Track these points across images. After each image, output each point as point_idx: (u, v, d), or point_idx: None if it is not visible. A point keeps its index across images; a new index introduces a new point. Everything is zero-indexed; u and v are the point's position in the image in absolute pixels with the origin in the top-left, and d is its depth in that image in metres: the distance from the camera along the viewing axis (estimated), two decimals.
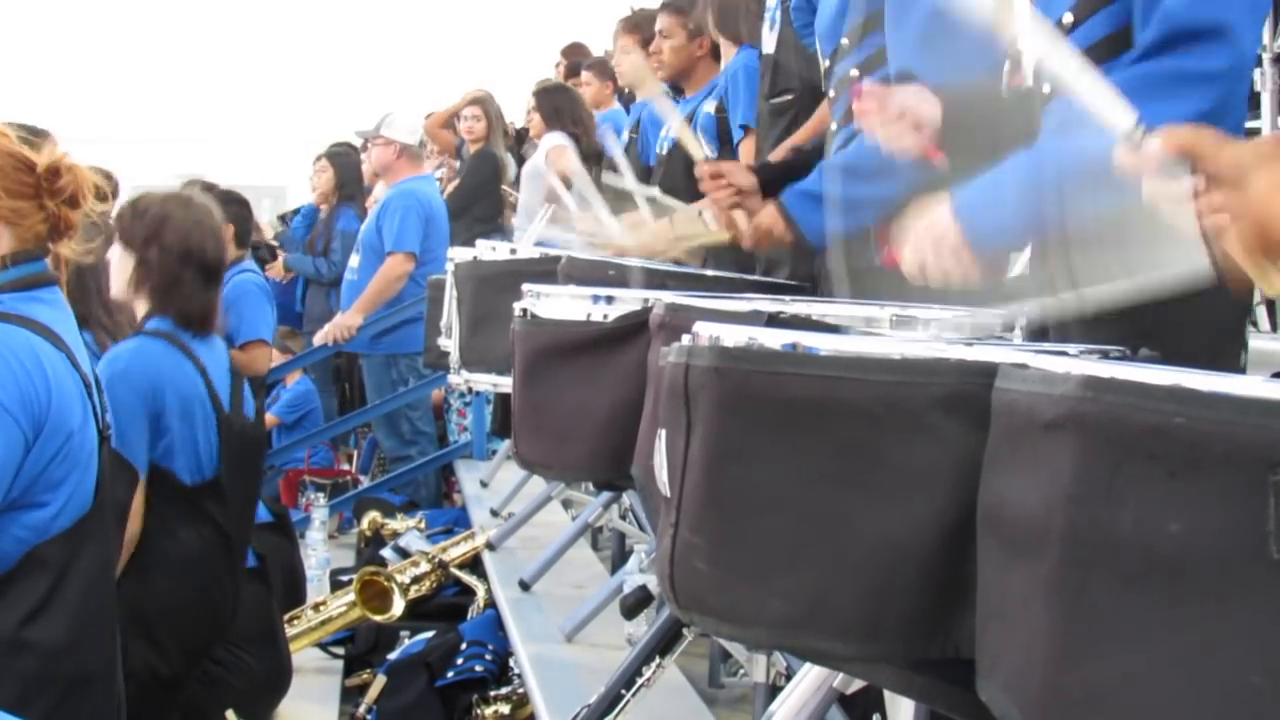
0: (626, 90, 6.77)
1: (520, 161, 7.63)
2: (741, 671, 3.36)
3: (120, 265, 3.62)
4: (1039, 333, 2.12)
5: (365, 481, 7.26)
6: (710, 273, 3.38)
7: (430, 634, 4.64)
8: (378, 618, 4.73)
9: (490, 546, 4.82)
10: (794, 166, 3.00)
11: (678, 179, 3.51)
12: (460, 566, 5.11)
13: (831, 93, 2.92)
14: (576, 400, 2.46)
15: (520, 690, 3.94)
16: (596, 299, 2.48)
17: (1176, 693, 1.05)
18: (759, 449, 1.42)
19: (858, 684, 1.91)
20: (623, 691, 2.60)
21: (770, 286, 2.98)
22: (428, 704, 4.25)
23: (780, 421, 1.40)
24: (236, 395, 3.66)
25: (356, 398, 7.70)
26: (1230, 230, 1.37)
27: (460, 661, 4.31)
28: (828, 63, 2.94)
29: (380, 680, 4.37)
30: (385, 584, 4.79)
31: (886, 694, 1.93)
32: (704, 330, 1.49)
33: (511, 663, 4.16)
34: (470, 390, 5.98)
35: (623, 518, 4.36)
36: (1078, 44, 1.93)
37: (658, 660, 2.61)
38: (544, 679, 3.42)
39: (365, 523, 6.10)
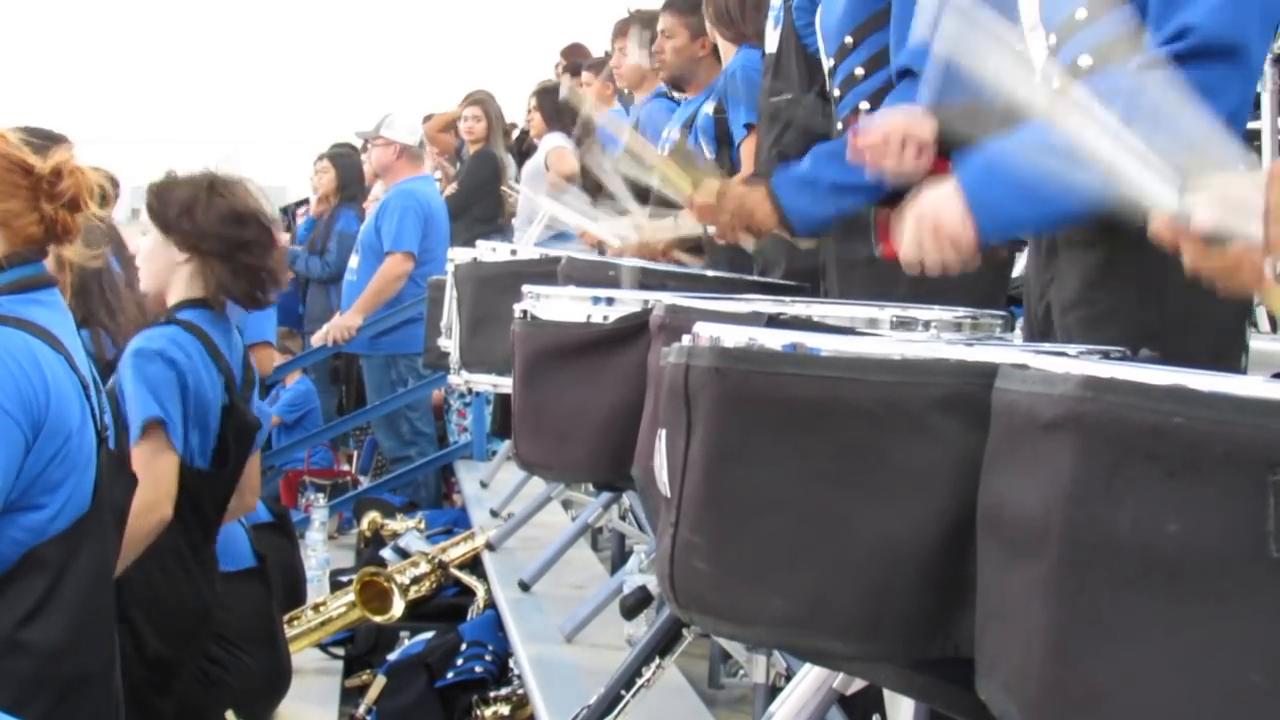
0: (626, 91, 6.77)
1: (521, 161, 7.63)
2: (741, 672, 3.36)
3: (155, 253, 3.53)
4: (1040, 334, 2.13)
5: (365, 482, 7.26)
6: (710, 273, 3.39)
7: (430, 635, 4.64)
8: (377, 618, 4.73)
9: (490, 547, 4.82)
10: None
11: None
12: (460, 567, 5.11)
13: (836, 91, 2.92)
14: (576, 401, 2.47)
15: (520, 691, 3.94)
16: (596, 300, 2.48)
17: (1176, 692, 1.05)
18: (759, 449, 1.42)
19: (858, 684, 1.91)
20: (622, 692, 2.60)
21: (770, 287, 2.98)
22: (427, 705, 4.25)
23: (780, 422, 1.41)
24: (246, 389, 3.64)
25: (354, 399, 7.70)
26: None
27: (460, 662, 4.31)
28: (831, 62, 2.94)
29: (380, 681, 4.37)
30: (385, 584, 4.79)
31: (886, 694, 1.93)
32: (704, 331, 1.50)
33: (511, 663, 4.16)
34: (470, 391, 5.99)
35: (622, 518, 4.36)
36: (1089, 42, 1.93)
37: (657, 661, 2.62)
38: (544, 679, 3.42)
39: (365, 523, 6.10)
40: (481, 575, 4.91)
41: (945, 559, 1.34)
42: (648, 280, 2.82)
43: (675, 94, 5.00)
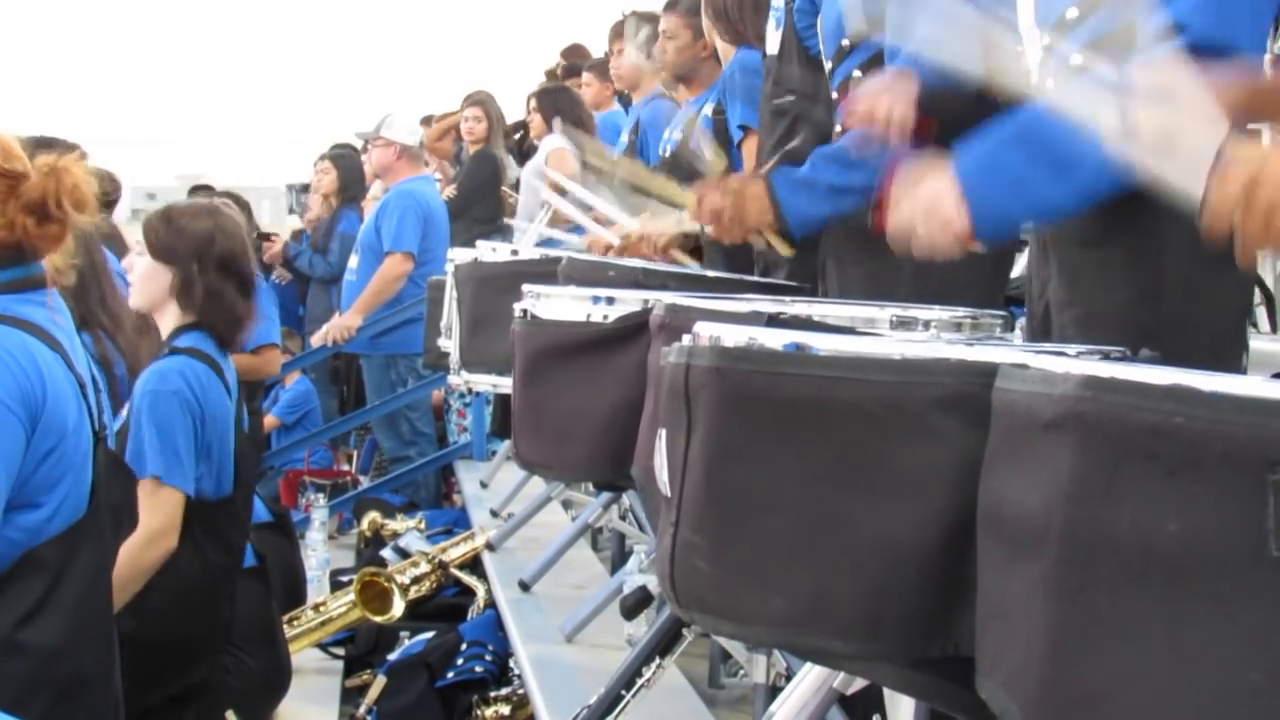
0: (625, 91, 6.77)
1: (522, 161, 7.62)
2: (741, 672, 3.36)
3: (151, 278, 3.61)
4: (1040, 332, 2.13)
5: (365, 482, 7.26)
6: (710, 273, 3.39)
7: (430, 634, 4.64)
8: (378, 618, 4.73)
9: (490, 547, 4.82)
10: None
11: (680, 181, 3.51)
12: (460, 567, 5.11)
13: (835, 94, 2.93)
14: (576, 401, 2.47)
15: (520, 691, 3.94)
16: (596, 300, 2.48)
17: (1175, 691, 1.05)
18: (759, 449, 1.42)
19: (858, 684, 1.92)
20: (623, 692, 2.60)
21: (770, 287, 2.98)
22: (428, 705, 4.25)
23: (781, 422, 1.41)
24: (239, 411, 3.69)
25: (355, 399, 7.70)
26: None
27: (460, 662, 4.31)
28: (831, 64, 2.94)
29: (380, 681, 4.37)
30: (385, 585, 4.78)
31: (886, 694, 1.93)
32: (704, 331, 1.50)
33: (511, 663, 4.16)
34: (470, 391, 5.99)
35: (623, 518, 4.36)
36: (1082, 40, 1.94)
37: (658, 661, 2.61)
38: (544, 679, 3.42)
39: (365, 523, 6.10)
40: (482, 575, 4.91)
41: (945, 558, 1.35)
42: (648, 280, 2.82)
43: (670, 94, 4.99)
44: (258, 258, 7.33)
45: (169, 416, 3.40)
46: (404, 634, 4.74)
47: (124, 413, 3.50)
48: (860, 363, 1.39)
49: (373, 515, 6.08)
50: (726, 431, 1.44)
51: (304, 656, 4.53)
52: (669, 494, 1.51)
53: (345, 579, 5.12)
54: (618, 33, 5.80)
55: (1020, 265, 3.04)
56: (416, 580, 4.97)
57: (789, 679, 2.26)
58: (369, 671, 4.56)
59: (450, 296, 3.93)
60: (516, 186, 7.42)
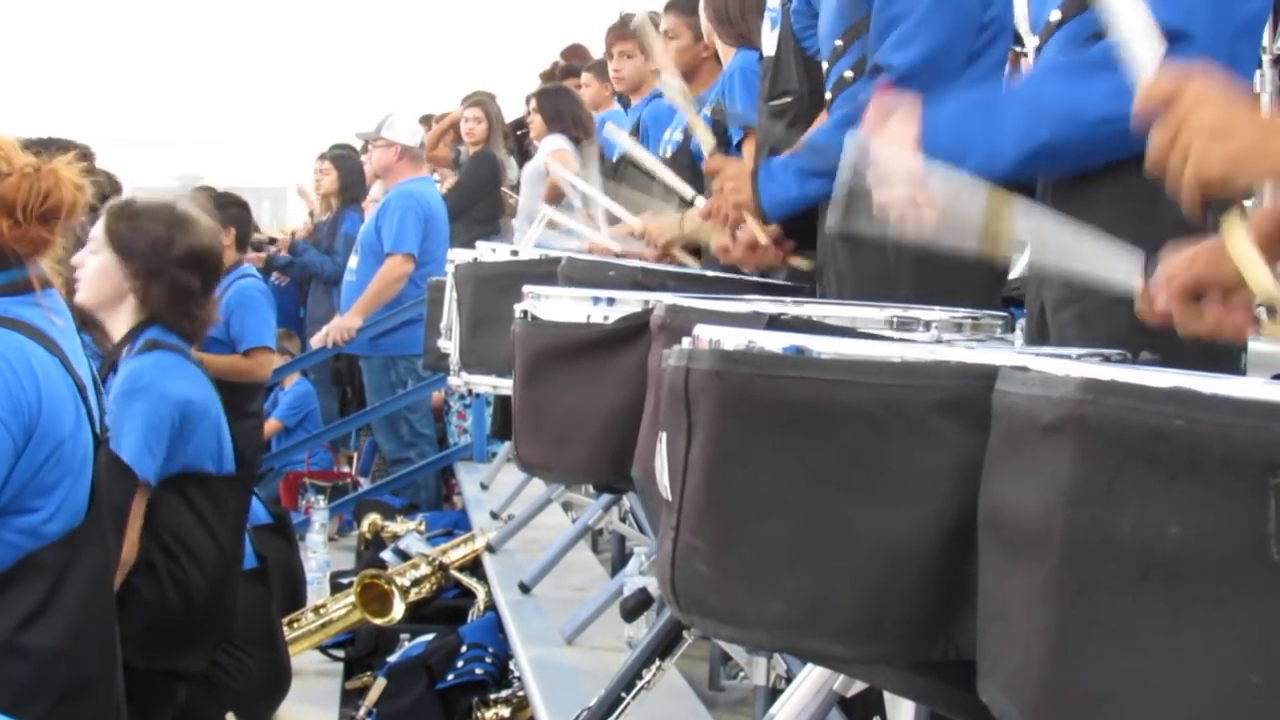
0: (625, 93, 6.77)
1: (523, 161, 7.62)
2: (741, 674, 3.36)
3: (104, 275, 3.53)
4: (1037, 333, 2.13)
5: (365, 484, 7.25)
6: (710, 274, 3.38)
7: (430, 637, 4.64)
8: (378, 620, 4.73)
9: (490, 549, 4.81)
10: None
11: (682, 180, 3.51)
12: (460, 569, 5.11)
13: (829, 94, 2.93)
14: (577, 402, 2.46)
15: (520, 693, 3.94)
16: (597, 301, 2.48)
17: (1176, 694, 1.05)
18: (760, 452, 1.42)
19: (858, 687, 1.91)
20: (623, 694, 2.60)
21: (770, 288, 2.98)
22: (428, 707, 4.25)
23: (781, 424, 1.41)
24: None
25: (358, 402, 7.70)
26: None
27: (460, 664, 4.31)
28: (826, 65, 2.94)
29: (380, 683, 4.37)
30: (385, 587, 4.78)
31: (887, 697, 1.93)
32: (704, 333, 1.49)
33: (511, 665, 4.16)
34: (470, 392, 5.99)
35: (623, 520, 4.36)
36: (1064, 42, 1.97)
37: (658, 663, 2.61)
38: (544, 681, 3.42)
39: (365, 525, 6.10)
40: (482, 577, 4.91)
41: (946, 561, 1.34)
42: (648, 281, 2.82)
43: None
44: (256, 258, 7.35)
45: (139, 411, 3.36)
46: (404, 636, 4.74)
47: None
48: (860, 366, 1.39)
49: (373, 517, 6.08)
50: (727, 435, 1.44)
51: (304, 658, 4.53)
52: (669, 497, 1.51)
53: (345, 581, 5.12)
54: (616, 35, 5.79)
55: (1020, 266, 3.03)
56: (417, 582, 4.97)
57: (789, 681, 2.26)
58: (369, 673, 4.56)
59: (450, 297, 3.93)
60: (517, 188, 7.42)
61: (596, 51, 7.51)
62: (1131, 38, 1.49)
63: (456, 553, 5.16)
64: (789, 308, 2.09)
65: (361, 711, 4.32)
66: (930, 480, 1.35)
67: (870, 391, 1.37)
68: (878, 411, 1.37)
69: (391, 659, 4.54)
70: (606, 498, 4.05)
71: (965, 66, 2.61)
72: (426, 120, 8.80)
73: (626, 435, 2.22)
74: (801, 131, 3.15)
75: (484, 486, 6.04)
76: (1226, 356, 1.96)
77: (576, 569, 4.46)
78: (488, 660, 4.29)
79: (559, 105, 6.72)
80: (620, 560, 4.20)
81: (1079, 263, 1.64)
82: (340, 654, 4.79)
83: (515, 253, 3.81)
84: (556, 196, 5.55)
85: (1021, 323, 2.42)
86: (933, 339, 2.00)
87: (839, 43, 2.84)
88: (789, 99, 3.29)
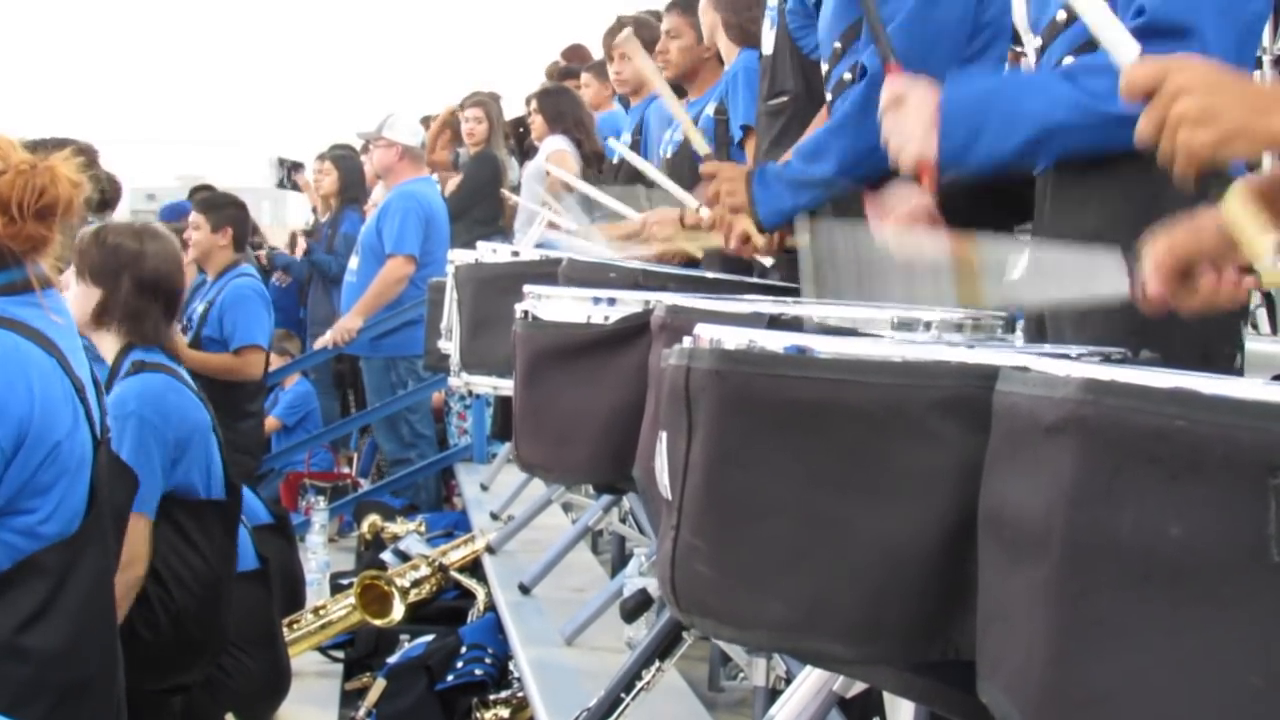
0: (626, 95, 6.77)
1: (524, 161, 7.62)
2: (741, 675, 3.36)
3: (83, 298, 3.56)
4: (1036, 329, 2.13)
5: (365, 485, 7.25)
6: (711, 274, 3.38)
7: (430, 637, 4.64)
8: (378, 621, 4.73)
9: (490, 550, 4.81)
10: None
11: (682, 182, 3.50)
12: (460, 570, 5.11)
13: (829, 95, 2.93)
14: (577, 402, 2.46)
15: (520, 694, 3.94)
16: (597, 301, 2.48)
17: (1176, 694, 1.05)
18: (760, 452, 1.42)
19: (858, 687, 1.91)
20: (622, 695, 2.60)
21: (770, 288, 2.98)
22: (427, 707, 4.25)
23: (781, 424, 1.41)
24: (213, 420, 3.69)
25: (360, 406, 7.69)
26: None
27: (460, 665, 4.31)
28: (827, 66, 2.94)
29: (380, 684, 4.36)
30: (385, 588, 4.78)
31: (886, 698, 1.93)
32: (705, 333, 1.49)
33: (511, 666, 4.15)
34: (470, 393, 5.99)
35: (623, 521, 4.36)
36: (1071, 42, 1.97)
37: (657, 664, 2.61)
38: (544, 682, 3.42)
39: (365, 526, 6.09)
40: (482, 578, 4.91)
41: (946, 561, 1.34)
42: (648, 281, 2.82)
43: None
44: (256, 259, 7.34)
45: (133, 436, 3.37)
46: (404, 637, 4.73)
47: None
48: (861, 365, 1.38)
49: (373, 518, 6.08)
50: (727, 434, 1.44)
51: (304, 659, 4.53)
52: (670, 497, 1.51)
53: (345, 582, 5.11)
54: (613, 39, 5.79)
55: (1019, 267, 3.03)
56: (416, 583, 4.97)
57: (789, 682, 2.26)
58: (369, 674, 4.56)
59: (450, 298, 3.93)
60: (517, 189, 7.42)
61: (597, 52, 7.51)
62: (1104, 30, 1.51)
63: (456, 554, 5.16)
64: (789, 308, 2.09)
65: (361, 712, 4.31)
66: (930, 480, 1.35)
67: (871, 391, 1.37)
68: (878, 411, 1.37)
69: (391, 660, 4.53)
70: (606, 498, 4.05)
71: (954, 67, 2.60)
72: (426, 121, 8.80)
73: (627, 435, 2.22)
74: (796, 135, 3.15)
75: (484, 487, 6.04)
76: (1219, 356, 1.96)
77: (576, 570, 4.46)
78: (487, 661, 4.29)
79: (560, 106, 6.71)
80: (620, 561, 4.20)
81: (1062, 289, 1.65)
82: (340, 655, 4.79)
83: (516, 253, 3.81)
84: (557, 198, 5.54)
85: (1022, 323, 2.42)
86: (933, 339, 2.00)
87: (838, 45, 2.84)
88: (785, 98, 3.29)
